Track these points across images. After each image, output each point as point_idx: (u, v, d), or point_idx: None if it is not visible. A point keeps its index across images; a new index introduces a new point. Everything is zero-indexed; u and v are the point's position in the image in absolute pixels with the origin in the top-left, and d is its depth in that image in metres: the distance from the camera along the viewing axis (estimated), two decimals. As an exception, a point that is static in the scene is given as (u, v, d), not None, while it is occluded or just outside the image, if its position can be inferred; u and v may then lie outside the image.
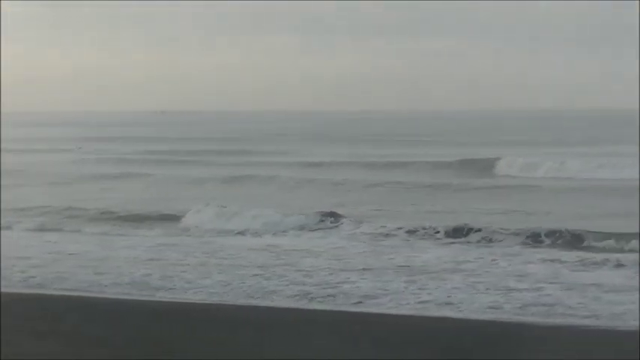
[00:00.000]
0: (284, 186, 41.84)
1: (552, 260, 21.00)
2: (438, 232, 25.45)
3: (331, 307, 16.75)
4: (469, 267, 20.37)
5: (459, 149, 62.41)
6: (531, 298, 16.84)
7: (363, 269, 20.20)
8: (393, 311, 16.25)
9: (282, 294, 17.80)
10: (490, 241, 24.29)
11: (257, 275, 19.61)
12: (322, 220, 27.93)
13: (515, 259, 21.34)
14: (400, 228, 25.98)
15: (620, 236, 23.46)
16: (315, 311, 16.38)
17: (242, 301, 17.33)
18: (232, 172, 47.36)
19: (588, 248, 22.90)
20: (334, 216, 28.32)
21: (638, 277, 18.70)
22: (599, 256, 21.16)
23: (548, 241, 23.88)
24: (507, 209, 31.55)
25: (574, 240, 23.84)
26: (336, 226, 27.30)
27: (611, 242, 23.19)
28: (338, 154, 60.28)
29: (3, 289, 17.27)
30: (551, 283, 18.24)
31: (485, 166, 48.00)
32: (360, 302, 17.02)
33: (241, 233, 26.75)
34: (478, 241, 24.29)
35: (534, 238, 24.14)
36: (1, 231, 26.70)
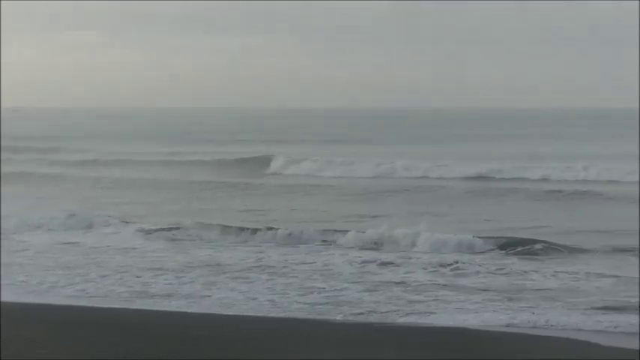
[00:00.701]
0: (55, 184, 41.97)
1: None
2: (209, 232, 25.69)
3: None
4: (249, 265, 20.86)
5: (241, 147, 63.52)
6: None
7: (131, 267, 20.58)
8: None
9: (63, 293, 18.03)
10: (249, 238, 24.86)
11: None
12: (83, 219, 27.75)
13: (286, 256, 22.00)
14: (175, 226, 26.37)
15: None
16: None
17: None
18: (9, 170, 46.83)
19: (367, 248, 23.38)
20: (103, 215, 28.43)
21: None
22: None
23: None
24: (280, 207, 32.62)
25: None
26: (104, 225, 27.24)
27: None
28: (123, 152, 60.05)
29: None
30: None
31: (261, 164, 48.80)
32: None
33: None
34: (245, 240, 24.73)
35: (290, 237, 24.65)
36: None
